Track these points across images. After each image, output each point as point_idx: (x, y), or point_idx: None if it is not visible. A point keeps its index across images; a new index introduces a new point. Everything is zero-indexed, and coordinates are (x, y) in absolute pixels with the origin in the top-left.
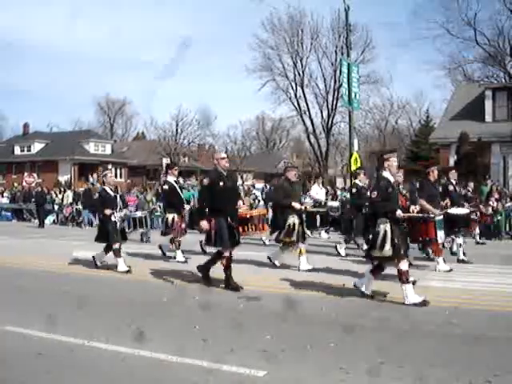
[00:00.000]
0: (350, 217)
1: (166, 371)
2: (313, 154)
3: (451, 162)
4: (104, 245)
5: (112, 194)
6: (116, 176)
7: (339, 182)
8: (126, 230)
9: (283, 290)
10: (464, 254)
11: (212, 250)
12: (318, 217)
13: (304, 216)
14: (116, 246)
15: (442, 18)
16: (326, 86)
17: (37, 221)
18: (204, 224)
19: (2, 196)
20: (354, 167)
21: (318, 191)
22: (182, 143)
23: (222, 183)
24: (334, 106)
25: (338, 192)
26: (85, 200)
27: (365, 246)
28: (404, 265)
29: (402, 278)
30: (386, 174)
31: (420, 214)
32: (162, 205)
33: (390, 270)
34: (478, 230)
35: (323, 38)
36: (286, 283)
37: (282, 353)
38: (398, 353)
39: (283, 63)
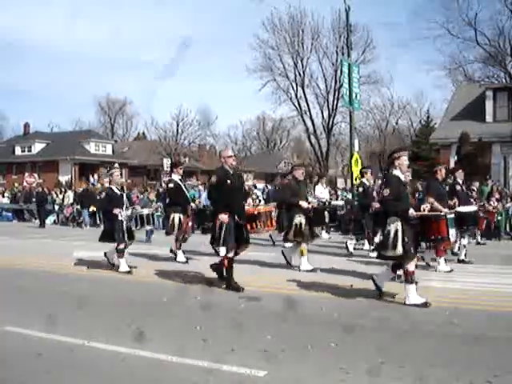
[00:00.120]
0: (351, 217)
1: (166, 371)
2: (313, 155)
3: (452, 163)
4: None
5: (118, 192)
6: None
7: (340, 183)
8: (133, 228)
9: (283, 291)
10: (465, 254)
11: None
12: (326, 214)
13: (311, 214)
14: (121, 246)
15: (442, 18)
16: (326, 86)
17: (37, 221)
18: (223, 217)
19: (3, 196)
20: (354, 168)
21: (321, 191)
22: (183, 143)
23: (229, 181)
24: (334, 107)
25: (339, 192)
26: (83, 200)
27: (365, 246)
28: (411, 265)
29: (408, 278)
30: (396, 172)
31: (432, 213)
32: (161, 204)
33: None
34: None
35: (324, 38)
36: (286, 283)
37: (282, 353)
38: (398, 353)
39: (284, 63)
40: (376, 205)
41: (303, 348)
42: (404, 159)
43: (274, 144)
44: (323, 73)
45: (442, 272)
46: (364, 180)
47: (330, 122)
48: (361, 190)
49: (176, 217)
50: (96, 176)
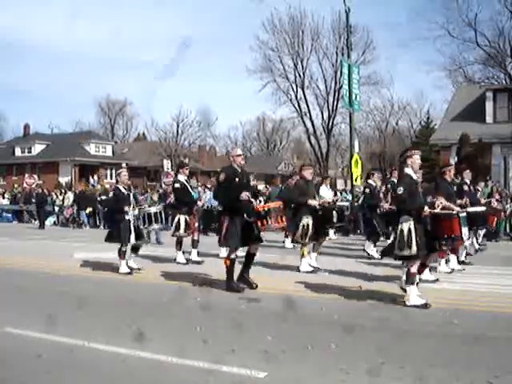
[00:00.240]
0: (350, 218)
1: (166, 372)
2: (313, 156)
3: (452, 164)
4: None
5: (126, 192)
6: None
7: (340, 184)
8: (141, 226)
9: (283, 291)
10: (465, 255)
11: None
12: (334, 214)
13: (320, 213)
14: (124, 248)
15: (442, 19)
16: (326, 87)
17: (37, 222)
18: (245, 193)
19: (3, 197)
20: (354, 169)
21: (326, 192)
22: (183, 144)
23: (237, 179)
24: (334, 107)
25: (338, 194)
26: (80, 202)
27: (366, 247)
28: (414, 266)
29: (410, 278)
30: (408, 170)
31: (445, 211)
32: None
33: (392, 271)
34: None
35: (324, 39)
36: (286, 284)
37: (282, 354)
38: (398, 353)
39: (284, 64)
40: (385, 205)
41: (303, 348)
42: (416, 158)
43: (273, 145)
44: (323, 74)
45: (442, 273)
46: (370, 181)
47: (330, 123)
48: (368, 191)
49: (182, 218)
50: (96, 177)
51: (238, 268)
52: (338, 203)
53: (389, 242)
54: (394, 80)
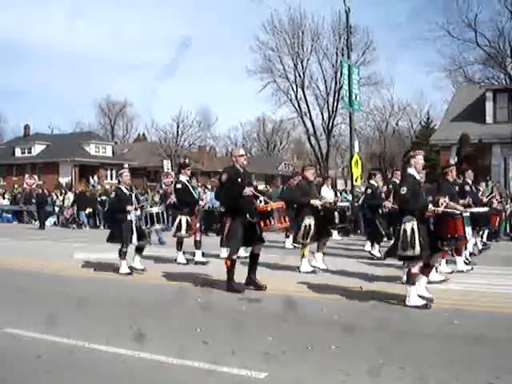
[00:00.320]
0: (351, 218)
1: (167, 373)
2: (313, 156)
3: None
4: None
5: (127, 192)
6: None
7: (340, 184)
8: (143, 227)
9: (284, 292)
10: (469, 255)
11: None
12: (336, 214)
13: (322, 213)
14: (125, 248)
15: (442, 19)
16: (326, 87)
17: (37, 223)
18: (248, 189)
19: (3, 198)
20: (354, 169)
21: (327, 192)
22: (183, 145)
23: (239, 179)
24: (334, 108)
25: (339, 194)
26: (79, 203)
27: (367, 247)
28: (415, 267)
29: (410, 279)
30: (411, 170)
31: (449, 210)
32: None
33: (393, 271)
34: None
35: (324, 39)
36: (286, 285)
37: (282, 354)
38: (398, 353)
39: (284, 65)
40: (388, 204)
41: (304, 349)
42: (419, 158)
43: (274, 145)
44: (323, 74)
45: (442, 273)
46: (372, 182)
47: (330, 124)
48: (369, 191)
49: (183, 219)
50: (96, 177)
51: (238, 269)
52: (339, 204)
53: (392, 242)
54: (394, 80)
